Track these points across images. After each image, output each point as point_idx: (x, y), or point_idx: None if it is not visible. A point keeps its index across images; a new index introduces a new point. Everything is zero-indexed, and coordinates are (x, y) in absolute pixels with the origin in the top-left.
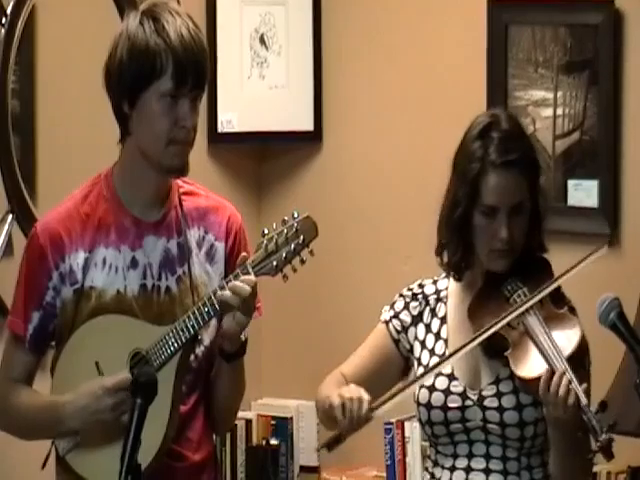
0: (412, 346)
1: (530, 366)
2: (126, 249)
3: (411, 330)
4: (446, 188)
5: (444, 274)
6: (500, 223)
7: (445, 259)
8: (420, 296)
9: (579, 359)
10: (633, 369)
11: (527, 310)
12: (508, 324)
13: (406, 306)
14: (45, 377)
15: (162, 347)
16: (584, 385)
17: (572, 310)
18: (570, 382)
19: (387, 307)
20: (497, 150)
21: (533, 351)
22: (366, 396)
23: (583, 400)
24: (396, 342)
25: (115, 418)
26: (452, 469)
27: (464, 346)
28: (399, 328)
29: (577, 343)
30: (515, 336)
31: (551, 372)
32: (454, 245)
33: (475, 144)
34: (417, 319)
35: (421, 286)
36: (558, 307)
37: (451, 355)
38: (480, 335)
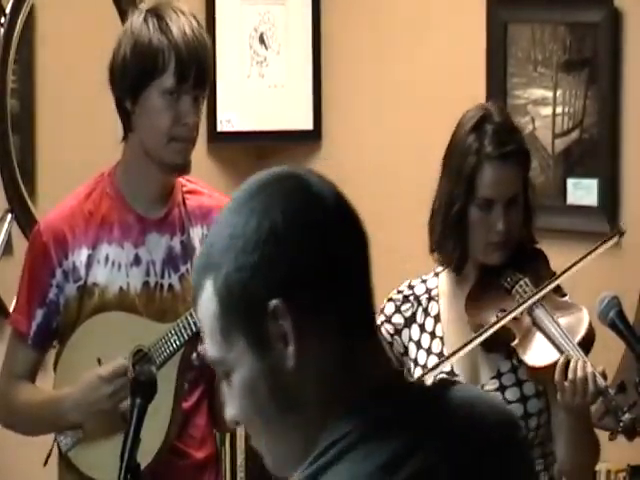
0: (407, 348)
1: (541, 354)
2: (129, 246)
3: (405, 332)
4: (437, 186)
5: (432, 273)
6: (497, 216)
7: (442, 256)
8: (411, 297)
9: (589, 343)
10: (632, 367)
11: (534, 303)
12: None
13: (397, 309)
14: (47, 374)
15: (164, 344)
16: (600, 367)
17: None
18: (586, 366)
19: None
20: (492, 142)
21: (542, 340)
22: None
23: (602, 383)
24: (389, 344)
25: (114, 406)
26: None
27: (474, 338)
28: (392, 331)
29: (587, 327)
30: (521, 327)
31: (566, 359)
32: (452, 242)
33: (469, 138)
34: (410, 320)
35: (411, 287)
36: (560, 295)
37: (462, 348)
38: (488, 329)
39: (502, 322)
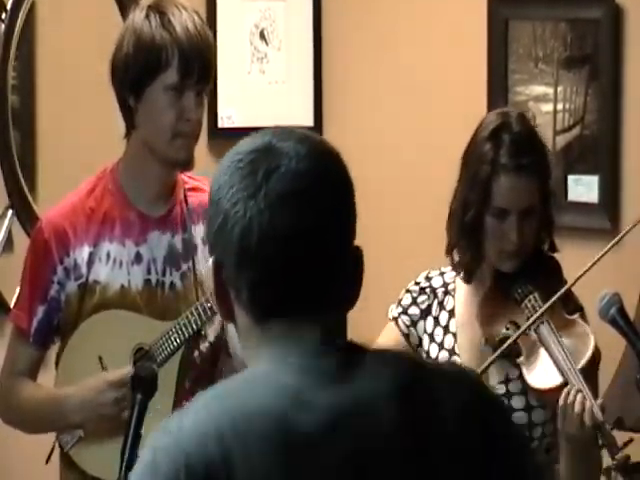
0: (421, 339)
1: (543, 376)
2: (130, 244)
3: (420, 324)
4: (455, 187)
5: (451, 266)
6: (510, 226)
7: (456, 259)
8: (428, 289)
9: (592, 369)
10: (633, 365)
11: (540, 318)
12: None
13: (414, 301)
14: (48, 371)
15: (165, 342)
16: (600, 400)
17: (581, 310)
18: (585, 398)
19: (394, 305)
20: (508, 153)
21: (546, 361)
22: None
23: (599, 417)
24: (406, 336)
25: (117, 413)
26: None
27: (490, 363)
28: (408, 323)
29: (590, 354)
30: (527, 343)
31: (567, 388)
32: (464, 246)
33: (486, 146)
34: (426, 312)
35: (428, 279)
36: (569, 312)
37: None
38: (502, 348)
39: (514, 337)
